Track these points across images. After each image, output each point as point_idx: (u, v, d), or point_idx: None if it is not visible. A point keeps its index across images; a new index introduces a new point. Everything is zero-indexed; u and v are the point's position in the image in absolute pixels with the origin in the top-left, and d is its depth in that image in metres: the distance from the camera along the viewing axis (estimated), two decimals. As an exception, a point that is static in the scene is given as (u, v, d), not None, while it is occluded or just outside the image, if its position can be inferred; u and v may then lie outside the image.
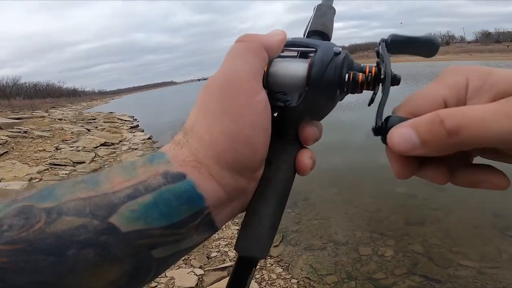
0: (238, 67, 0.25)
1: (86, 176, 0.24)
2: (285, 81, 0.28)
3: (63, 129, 11.35)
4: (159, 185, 0.23)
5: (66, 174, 6.14)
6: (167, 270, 2.90)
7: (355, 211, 4.06)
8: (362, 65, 0.28)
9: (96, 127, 12.52)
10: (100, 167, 6.82)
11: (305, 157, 0.29)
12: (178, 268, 2.96)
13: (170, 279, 2.80)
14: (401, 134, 0.21)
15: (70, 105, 30.41)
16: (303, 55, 0.30)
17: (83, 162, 7.01)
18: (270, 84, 0.28)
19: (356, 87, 0.27)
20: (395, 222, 3.69)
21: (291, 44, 0.29)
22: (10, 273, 0.18)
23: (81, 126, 12.60)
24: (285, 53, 0.30)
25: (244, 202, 0.28)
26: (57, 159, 7.07)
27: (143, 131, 12.02)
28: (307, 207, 4.43)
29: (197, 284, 2.63)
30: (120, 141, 9.78)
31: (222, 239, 3.59)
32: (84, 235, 0.20)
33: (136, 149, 8.79)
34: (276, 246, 3.38)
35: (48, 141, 9.14)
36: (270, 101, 0.27)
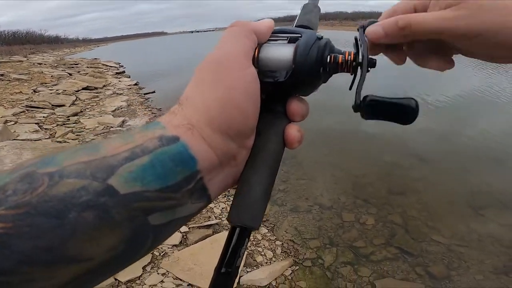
0: (231, 46, 0.29)
1: (86, 144, 0.24)
2: (274, 60, 0.30)
3: (42, 72, 10.57)
4: (154, 147, 0.23)
5: (43, 117, 5.69)
6: None
7: (342, 174, 4.01)
8: (342, 50, 0.32)
9: (79, 72, 11.72)
10: (81, 111, 6.34)
11: (292, 130, 0.31)
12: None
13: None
14: (374, 29, 0.32)
15: (52, 51, 28.58)
16: (290, 42, 0.32)
17: (63, 105, 6.51)
18: (260, 63, 0.31)
19: (336, 68, 0.31)
20: (378, 190, 3.71)
21: (278, 31, 0.33)
22: (14, 238, 0.18)
23: (62, 70, 11.75)
24: (273, 38, 0.32)
25: (236, 172, 0.29)
26: (34, 102, 6.54)
27: (129, 77, 11.31)
28: (295, 166, 4.30)
29: (181, 242, 2.45)
30: (104, 85, 9.16)
31: (213, 202, 3.34)
32: (85, 197, 0.20)
33: (121, 94, 8.24)
34: None
35: (26, 84, 8.49)
36: (260, 77, 0.29)
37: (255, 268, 2.33)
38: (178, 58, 21.22)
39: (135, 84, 9.74)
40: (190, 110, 0.26)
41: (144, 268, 2.14)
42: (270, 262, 2.40)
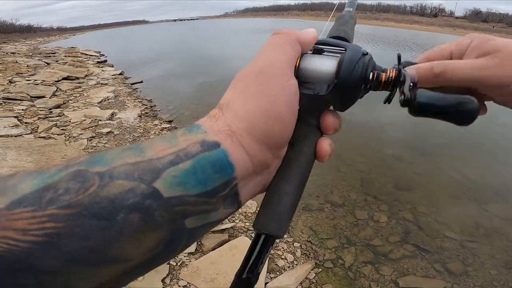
0: (276, 55, 0.28)
1: (131, 145, 0.24)
2: (315, 72, 0.30)
3: (16, 62, 9.81)
4: (197, 152, 0.23)
5: (22, 109, 5.21)
6: None
7: (347, 169, 3.97)
8: (383, 67, 0.31)
9: (57, 61, 10.98)
10: (64, 102, 5.87)
11: (325, 144, 0.31)
12: None
13: None
14: (409, 72, 0.30)
15: (24, 40, 26.85)
16: (336, 51, 0.32)
17: (43, 97, 6.00)
18: (301, 74, 0.30)
19: (378, 86, 0.31)
20: (385, 186, 3.73)
21: (322, 42, 0.32)
22: (64, 238, 0.18)
23: (39, 59, 10.99)
24: (317, 48, 0.32)
25: (266, 180, 0.29)
26: (11, 93, 6.01)
27: (112, 66, 10.71)
28: None
29: (196, 249, 2.25)
30: (86, 75, 8.59)
31: None
32: (132, 199, 0.20)
33: (106, 84, 7.74)
34: None
35: (0, 74, 7.82)
36: (299, 88, 0.29)
37: (278, 273, 2.21)
38: (162, 46, 20.49)
39: (120, 74, 9.22)
40: (231, 116, 0.26)
41: (163, 281, 1.92)
42: (293, 266, 2.29)
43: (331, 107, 0.32)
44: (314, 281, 2.22)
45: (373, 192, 3.52)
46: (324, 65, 0.30)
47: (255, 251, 0.27)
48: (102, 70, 9.80)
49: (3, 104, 5.44)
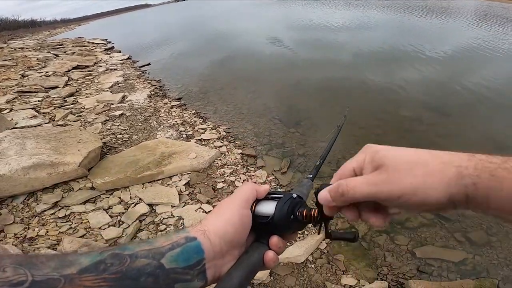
0: (241, 194, 0.46)
1: (142, 240, 0.43)
2: (263, 210, 0.46)
3: (26, 56, 9.97)
4: (183, 243, 0.39)
5: (38, 101, 5.36)
6: (173, 209, 2.44)
7: (362, 132, 3.78)
8: (310, 208, 0.47)
9: (65, 52, 11.09)
10: (77, 90, 5.98)
11: (270, 253, 0.44)
12: (184, 205, 2.58)
13: (178, 219, 2.43)
14: (324, 195, 0.41)
15: (31, 35, 27.00)
16: (277, 198, 0.49)
17: (57, 87, 6.13)
18: (255, 211, 0.46)
19: (303, 219, 0.46)
20: None
21: (272, 192, 0.49)
22: None
23: (47, 52, 11.12)
24: (266, 197, 0.49)
25: (221, 269, 0.42)
26: (25, 86, 6.16)
27: (120, 52, 10.72)
28: (311, 127, 4.09)
29: None
30: (95, 63, 8.65)
31: (226, 166, 3.14)
32: (149, 269, 0.35)
33: (115, 69, 7.78)
34: (284, 173, 3.11)
35: (12, 70, 8.00)
36: (254, 218, 0.45)
37: (288, 244, 2.20)
38: (167, 29, 20.18)
39: (128, 58, 9.24)
40: (207, 223, 0.43)
41: None
42: (303, 237, 2.27)
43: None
44: (326, 251, 2.17)
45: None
46: (268, 206, 0.47)
47: None
48: (110, 57, 9.83)
49: (19, 97, 5.61)
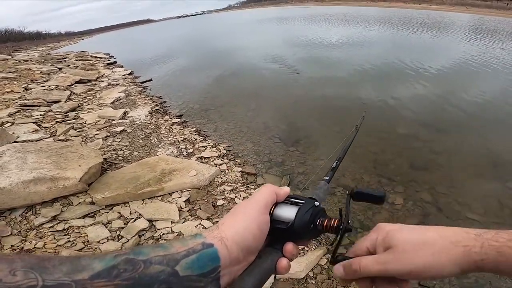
0: (259, 198, 0.45)
1: (157, 244, 0.38)
2: (282, 215, 0.46)
3: (30, 69, 10.11)
4: (200, 249, 0.38)
5: (41, 115, 5.42)
6: (173, 225, 2.60)
7: (360, 151, 3.84)
8: (330, 217, 0.47)
9: (68, 65, 11.25)
10: (79, 105, 6.06)
11: (283, 261, 0.45)
12: (184, 222, 2.61)
13: (178, 235, 2.46)
14: (337, 269, 0.46)
15: (35, 47, 27.47)
16: (298, 203, 0.48)
17: (59, 101, 6.21)
18: (274, 215, 0.46)
19: (323, 229, 0.46)
20: (400, 166, 3.58)
21: (292, 196, 0.48)
22: None
23: (51, 65, 11.28)
24: (287, 201, 0.48)
25: (235, 275, 0.42)
26: (28, 100, 6.24)
27: (122, 67, 10.89)
28: (310, 146, 4.17)
29: None
30: (98, 77, 8.79)
31: (227, 184, 3.19)
32: (163, 276, 0.34)
33: (117, 85, 7.91)
34: None
35: (16, 82, 8.11)
36: (272, 223, 0.45)
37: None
38: (168, 44, 20.57)
39: (130, 74, 9.39)
40: (225, 229, 0.42)
41: None
42: (303, 253, 2.30)
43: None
44: (326, 267, 2.19)
45: (387, 173, 3.41)
46: (288, 211, 0.46)
47: None
48: (112, 72, 9.99)
49: (22, 111, 5.67)
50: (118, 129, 4.65)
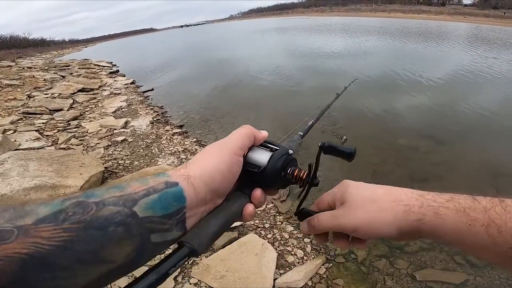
0: (236, 139, 0.43)
1: (113, 184, 0.35)
2: (256, 158, 0.45)
3: (34, 76, 10.25)
4: (162, 188, 0.35)
5: (43, 123, 5.48)
6: None
7: (360, 162, 3.85)
8: (301, 169, 0.47)
9: (71, 74, 11.39)
10: (81, 114, 6.13)
11: (250, 206, 0.43)
12: None
13: None
14: (303, 226, 0.50)
15: (39, 54, 27.86)
16: (273, 149, 0.47)
17: (61, 110, 6.29)
18: (247, 157, 0.45)
19: (292, 178, 0.46)
20: (400, 178, 3.59)
21: (268, 141, 0.47)
22: (75, 243, 0.28)
23: (54, 73, 11.43)
24: (263, 145, 0.47)
25: (201, 216, 0.39)
26: (31, 108, 6.32)
27: (124, 76, 11.02)
28: (309, 157, 4.07)
29: None
30: (100, 86, 8.90)
31: None
32: (119, 218, 0.31)
33: (119, 94, 8.00)
34: (284, 201, 3.16)
35: (19, 90, 8.21)
36: (244, 166, 0.43)
37: (287, 269, 2.23)
38: (170, 54, 20.82)
39: (132, 83, 9.50)
40: (193, 167, 0.39)
41: (175, 279, 2.02)
42: (302, 262, 2.31)
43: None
44: (325, 276, 2.20)
45: (387, 184, 3.44)
46: (262, 155, 0.45)
47: (171, 258, 0.33)
48: (115, 80, 10.10)
49: (24, 118, 5.74)
50: (120, 138, 4.70)
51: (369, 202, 0.42)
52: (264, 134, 0.47)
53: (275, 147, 0.46)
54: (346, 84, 1.16)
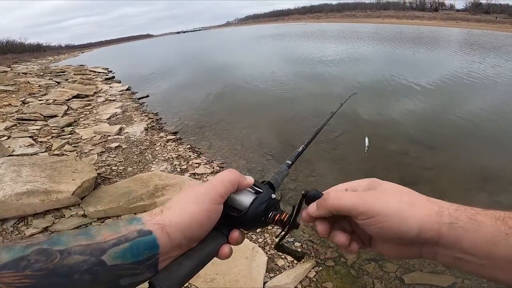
0: (219, 186, 0.42)
1: (84, 230, 0.35)
2: (238, 201, 0.45)
3: (29, 82, 10.25)
4: (134, 237, 0.35)
5: (37, 129, 5.49)
6: None
7: (351, 168, 3.93)
8: (282, 211, 0.47)
9: (67, 80, 11.40)
10: (75, 120, 6.15)
11: (226, 248, 0.43)
12: None
13: None
14: (310, 208, 0.45)
15: (35, 59, 27.83)
16: (257, 192, 0.48)
17: (56, 116, 6.30)
18: (229, 199, 0.44)
19: (273, 222, 0.46)
20: (391, 181, 3.62)
21: (254, 184, 0.47)
22: None
23: (49, 79, 11.43)
24: (248, 188, 0.47)
25: (176, 257, 0.40)
26: (25, 114, 6.32)
27: (120, 82, 11.06)
28: (302, 163, 4.20)
29: None
30: (95, 92, 8.92)
31: None
32: (85, 266, 0.31)
33: (114, 100, 8.03)
34: None
35: (14, 96, 8.21)
36: (225, 208, 0.43)
37: (278, 272, 2.26)
38: (166, 60, 20.90)
39: (127, 89, 9.53)
40: (169, 215, 0.39)
41: (165, 282, 2.04)
42: (293, 265, 2.33)
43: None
44: (315, 279, 2.22)
45: None
46: (244, 198, 0.45)
47: None
48: (110, 87, 10.13)
49: (18, 124, 5.75)
50: (113, 145, 4.73)
51: (405, 194, 0.40)
52: (249, 180, 0.46)
53: (259, 189, 0.46)
54: (341, 100, 1.15)
